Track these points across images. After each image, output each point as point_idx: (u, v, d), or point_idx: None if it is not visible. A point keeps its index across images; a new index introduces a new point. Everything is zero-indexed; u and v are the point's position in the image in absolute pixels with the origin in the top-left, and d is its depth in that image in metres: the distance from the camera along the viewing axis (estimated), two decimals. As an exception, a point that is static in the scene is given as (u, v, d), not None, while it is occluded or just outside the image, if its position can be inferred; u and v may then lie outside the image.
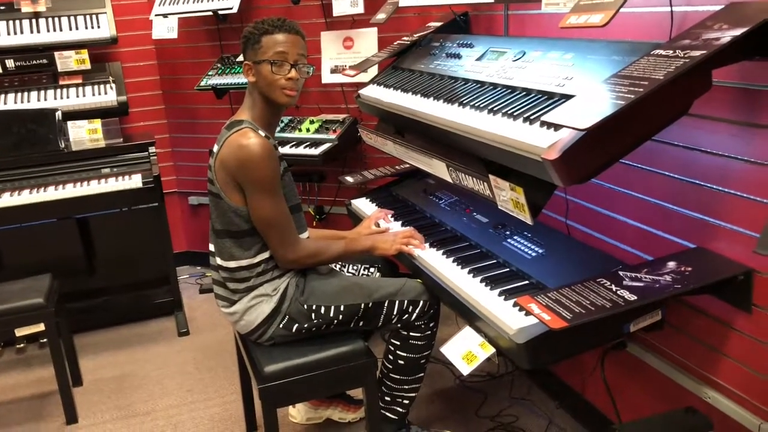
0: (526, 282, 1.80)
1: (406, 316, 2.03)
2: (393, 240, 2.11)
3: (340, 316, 2.00)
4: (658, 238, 1.78)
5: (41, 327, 2.45)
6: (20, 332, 2.44)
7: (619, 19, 1.74)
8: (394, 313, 2.03)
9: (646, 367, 1.92)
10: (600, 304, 1.47)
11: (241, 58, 2.10)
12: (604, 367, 2.04)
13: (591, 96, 1.38)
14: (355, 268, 2.32)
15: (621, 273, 1.59)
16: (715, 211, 1.61)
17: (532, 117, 1.55)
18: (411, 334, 2.05)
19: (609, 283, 1.55)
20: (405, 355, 2.07)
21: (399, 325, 2.05)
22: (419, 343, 2.06)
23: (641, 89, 1.28)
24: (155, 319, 3.42)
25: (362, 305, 2.01)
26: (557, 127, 1.43)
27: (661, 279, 1.54)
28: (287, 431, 2.40)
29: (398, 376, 2.09)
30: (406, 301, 2.03)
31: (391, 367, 2.10)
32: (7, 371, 3.02)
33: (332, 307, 1.99)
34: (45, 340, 2.91)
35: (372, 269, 2.33)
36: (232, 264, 1.97)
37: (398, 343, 2.07)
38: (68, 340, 2.81)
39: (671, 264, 1.60)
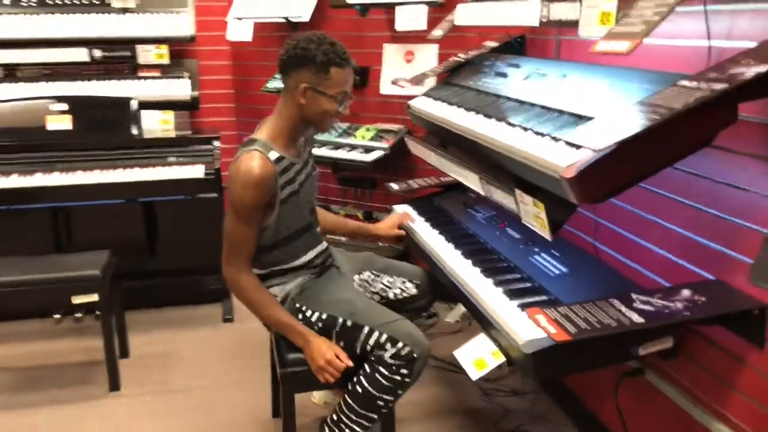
0: (545, 298, 1.84)
1: (381, 351, 1.93)
2: (319, 367, 1.94)
3: (320, 324, 2.02)
4: (680, 268, 1.80)
5: (95, 297, 2.63)
6: (76, 300, 2.62)
7: (661, 51, 1.80)
8: (370, 343, 1.95)
9: (662, 396, 1.93)
10: (606, 323, 1.51)
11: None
12: (622, 391, 2.05)
13: (611, 120, 1.43)
14: (391, 280, 2.32)
15: (633, 295, 1.62)
16: (736, 244, 1.62)
17: (557, 136, 1.61)
18: (379, 368, 1.93)
19: (619, 303, 1.59)
20: (365, 384, 1.95)
21: (372, 358, 1.96)
22: (383, 382, 1.93)
23: (658, 117, 1.33)
24: (203, 305, 3.59)
25: (341, 320, 1.99)
26: (577, 146, 1.48)
27: (672, 305, 1.56)
28: (307, 411, 2.52)
29: (350, 401, 1.98)
30: (385, 336, 1.93)
31: (349, 388, 1.99)
32: (63, 338, 3.24)
33: (315, 313, 2.03)
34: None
35: (410, 284, 2.32)
36: (254, 270, 2.08)
37: (367, 370, 1.96)
38: (120, 314, 3.00)
39: (686, 292, 1.62)
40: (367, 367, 1.97)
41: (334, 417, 2.02)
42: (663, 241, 1.87)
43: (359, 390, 1.96)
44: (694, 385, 1.81)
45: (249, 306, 2.04)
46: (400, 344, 1.93)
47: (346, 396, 1.99)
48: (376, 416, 1.99)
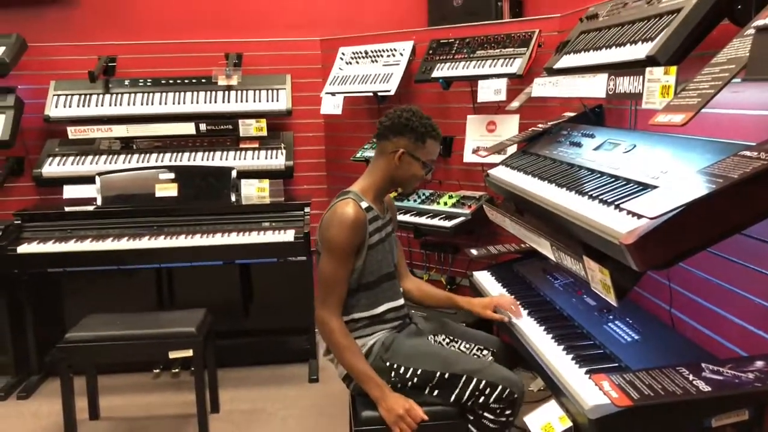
0: (614, 365, 1.84)
1: (483, 398, 2.07)
2: (397, 416, 2.02)
3: (415, 379, 2.10)
4: (758, 338, 1.76)
5: (189, 353, 2.81)
6: (172, 355, 2.81)
7: (732, 120, 1.82)
8: (469, 389, 2.07)
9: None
10: (671, 390, 1.50)
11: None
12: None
13: (671, 188, 1.46)
14: (467, 346, 2.37)
15: (703, 365, 1.60)
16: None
17: (620, 205, 1.65)
18: (484, 414, 2.09)
19: (687, 372, 1.57)
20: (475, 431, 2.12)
21: (473, 405, 2.09)
22: (491, 426, 2.09)
23: (714, 186, 1.36)
24: (291, 364, 3.73)
25: (438, 374, 2.09)
26: (639, 216, 1.52)
27: (743, 375, 1.54)
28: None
29: None
30: (484, 382, 2.07)
31: None
32: (160, 391, 3.45)
33: (410, 369, 2.11)
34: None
35: (486, 351, 2.36)
36: None
37: (471, 418, 2.12)
38: (213, 371, 3.18)
39: (759, 363, 1.58)
40: (471, 416, 2.12)
41: None
42: (740, 310, 1.83)
43: None
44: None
45: (334, 349, 2.14)
46: (499, 388, 2.06)
47: None
48: None
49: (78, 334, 2.80)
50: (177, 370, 3.55)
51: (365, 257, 2.16)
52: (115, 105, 3.80)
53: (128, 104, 3.80)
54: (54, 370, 3.36)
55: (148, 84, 3.88)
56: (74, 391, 2.83)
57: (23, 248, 3.30)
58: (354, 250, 2.13)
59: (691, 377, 1.55)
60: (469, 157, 3.40)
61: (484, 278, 2.77)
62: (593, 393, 1.66)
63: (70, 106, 3.76)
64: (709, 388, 1.49)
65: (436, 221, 3.26)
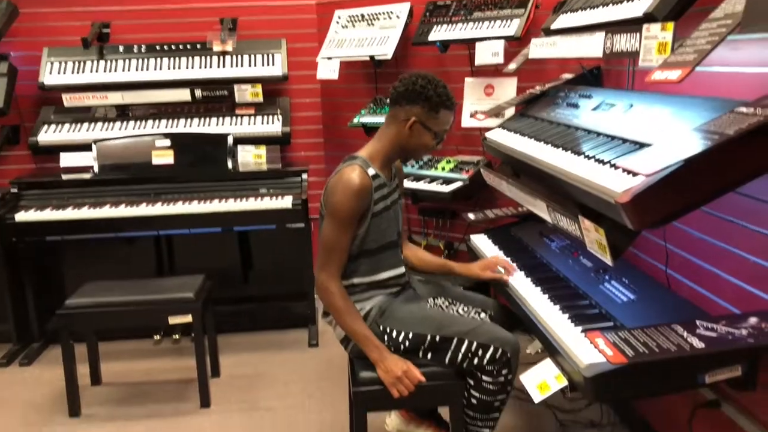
0: (610, 324, 1.85)
1: (477, 359, 2.07)
2: (395, 377, 2.04)
3: (407, 343, 2.11)
4: (754, 297, 1.77)
5: (189, 318, 2.83)
6: (172, 320, 2.83)
7: (731, 79, 1.80)
8: (462, 351, 2.07)
9: (737, 428, 1.87)
10: (666, 347, 1.51)
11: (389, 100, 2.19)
12: (697, 424, 2.00)
13: (666, 146, 1.46)
14: (465, 309, 2.38)
15: (698, 322, 1.61)
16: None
17: (616, 164, 1.65)
18: (482, 377, 2.09)
19: (682, 329, 1.59)
20: (477, 395, 2.11)
21: (469, 368, 2.09)
22: (491, 387, 2.09)
23: (709, 142, 1.35)
24: (291, 329, 3.75)
25: (429, 336, 2.09)
26: (634, 173, 1.52)
27: (736, 332, 1.55)
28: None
29: (471, 412, 2.15)
30: (475, 343, 2.06)
31: (465, 402, 2.15)
32: (161, 357, 3.48)
33: (402, 332, 2.12)
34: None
35: (483, 314, 2.35)
36: None
37: (472, 382, 2.12)
38: (213, 337, 3.20)
39: (753, 320, 1.60)
40: (469, 379, 2.12)
41: (464, 430, 2.18)
42: (734, 269, 1.84)
43: (474, 401, 2.13)
44: (770, 418, 1.75)
45: (334, 312, 2.15)
46: (491, 348, 2.06)
47: (465, 409, 2.15)
48: (498, 414, 2.17)
49: (77, 300, 2.82)
50: (177, 337, 3.57)
51: (368, 225, 2.14)
52: (110, 72, 3.76)
53: (123, 71, 3.76)
54: (55, 338, 3.39)
55: (143, 50, 3.83)
56: (75, 357, 2.86)
57: (21, 216, 3.30)
58: (357, 217, 2.11)
59: (685, 334, 1.56)
60: (467, 121, 3.37)
61: (482, 242, 2.77)
62: (589, 351, 1.67)
63: (64, 73, 3.72)
64: (703, 345, 1.51)
65: (433, 186, 3.25)
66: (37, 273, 3.56)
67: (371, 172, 2.13)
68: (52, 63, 3.74)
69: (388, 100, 3.61)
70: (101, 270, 3.41)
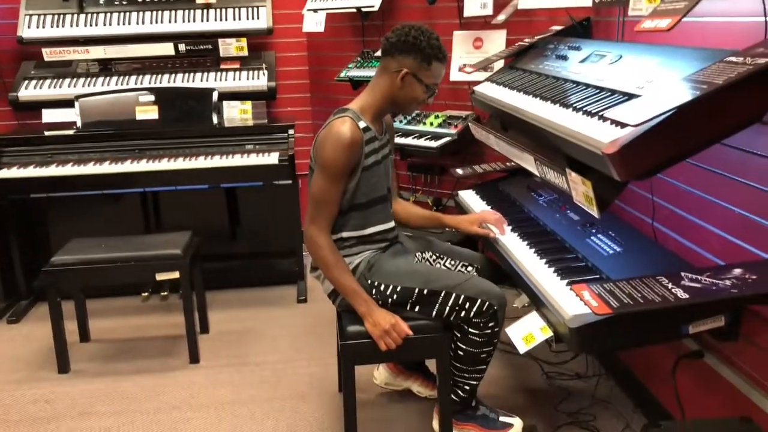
0: (596, 276, 1.86)
1: (464, 312, 2.07)
2: (383, 330, 2.05)
3: (395, 296, 2.12)
4: (739, 248, 1.77)
5: (176, 275, 2.82)
6: (159, 277, 2.82)
7: (720, 29, 1.78)
8: (449, 304, 2.08)
9: (720, 378, 1.90)
10: (650, 299, 1.52)
11: (379, 53, 2.17)
12: (681, 374, 2.04)
13: (654, 97, 1.44)
14: (452, 263, 2.38)
15: (683, 273, 1.62)
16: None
17: (604, 115, 1.63)
18: (469, 330, 2.10)
19: (667, 281, 1.59)
20: (464, 347, 2.13)
21: (456, 320, 2.10)
22: (478, 339, 2.10)
23: (698, 92, 1.33)
24: (279, 286, 3.77)
25: (416, 290, 2.09)
26: (622, 124, 1.50)
27: (720, 283, 1.56)
28: (368, 390, 2.62)
29: (458, 365, 2.17)
30: (462, 296, 2.07)
31: (452, 354, 2.16)
32: (150, 313, 3.48)
33: (390, 286, 2.12)
34: (183, 290, 3.34)
35: (470, 268, 2.36)
36: None
37: (459, 335, 2.13)
38: (201, 293, 3.20)
39: (737, 271, 1.60)
40: (456, 332, 2.13)
41: (451, 381, 2.19)
42: (720, 221, 1.84)
43: (461, 353, 2.14)
44: (754, 368, 1.78)
45: (322, 265, 2.15)
46: (478, 302, 2.06)
47: (452, 361, 2.17)
48: (485, 366, 2.19)
49: (63, 257, 2.80)
50: (166, 293, 3.58)
51: (359, 179, 2.12)
52: (91, 25, 3.67)
53: (104, 24, 3.67)
54: (43, 295, 3.36)
55: (124, 3, 3.74)
56: (63, 314, 2.85)
57: (3, 173, 3.26)
58: (348, 171, 2.09)
59: (670, 286, 1.57)
60: (455, 75, 3.33)
61: (469, 197, 2.77)
62: (574, 303, 1.69)
63: (43, 27, 3.63)
64: (687, 296, 1.52)
65: (422, 142, 3.23)
66: (23, 230, 3.54)
67: (362, 125, 2.10)
68: (30, 16, 3.64)
69: (376, 54, 3.60)
70: (88, 227, 3.40)
